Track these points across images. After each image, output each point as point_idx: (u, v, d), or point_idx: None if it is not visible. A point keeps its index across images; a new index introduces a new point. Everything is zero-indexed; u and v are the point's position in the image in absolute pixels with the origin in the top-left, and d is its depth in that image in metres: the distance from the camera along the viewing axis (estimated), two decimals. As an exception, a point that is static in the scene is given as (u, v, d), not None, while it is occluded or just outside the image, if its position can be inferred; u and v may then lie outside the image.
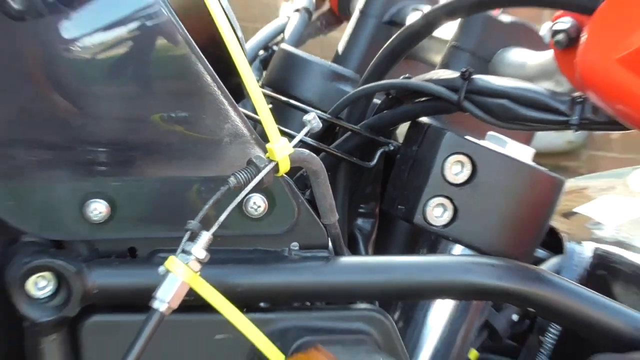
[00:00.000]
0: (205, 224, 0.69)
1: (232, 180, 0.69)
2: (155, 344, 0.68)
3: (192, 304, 0.70)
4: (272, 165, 0.70)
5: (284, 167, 0.71)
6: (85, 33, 0.71)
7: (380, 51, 0.91)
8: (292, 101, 0.93)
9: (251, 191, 0.70)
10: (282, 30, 1.17)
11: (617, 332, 0.79)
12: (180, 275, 0.68)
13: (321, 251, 0.77)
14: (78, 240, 0.75)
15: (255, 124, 0.75)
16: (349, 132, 0.88)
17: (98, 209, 0.73)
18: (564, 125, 0.78)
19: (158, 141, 0.74)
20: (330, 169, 0.79)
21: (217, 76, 0.73)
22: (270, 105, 0.75)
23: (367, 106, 0.90)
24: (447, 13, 0.87)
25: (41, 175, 0.73)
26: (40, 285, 0.72)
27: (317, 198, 0.76)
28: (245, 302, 0.75)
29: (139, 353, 0.67)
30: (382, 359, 0.74)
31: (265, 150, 0.72)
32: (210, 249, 0.69)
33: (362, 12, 1.06)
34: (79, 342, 0.75)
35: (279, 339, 0.75)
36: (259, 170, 0.70)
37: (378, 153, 0.88)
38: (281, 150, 0.71)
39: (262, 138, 0.73)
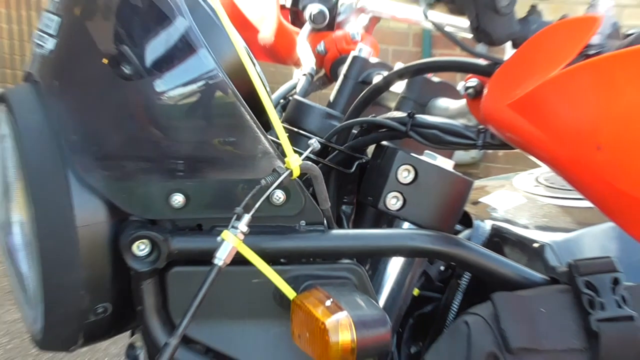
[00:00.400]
0: (246, 209, 0.68)
1: (263, 181, 0.68)
2: (215, 286, 0.67)
3: (238, 260, 0.69)
4: (288, 172, 0.70)
5: (296, 173, 0.70)
6: (170, 88, 0.70)
7: (356, 100, 0.90)
8: (301, 131, 0.92)
9: (275, 188, 0.70)
10: (294, 87, 1.15)
11: (508, 278, 0.78)
12: (231, 242, 0.67)
13: (319, 226, 0.76)
14: (165, 219, 0.73)
15: (278, 145, 0.74)
16: (337, 151, 0.87)
17: (178, 199, 0.72)
18: (473, 147, 0.77)
19: (216, 156, 0.72)
20: (325, 174, 0.78)
21: (253, 115, 0.71)
22: (287, 134, 0.74)
23: (348, 134, 0.89)
24: (399, 76, 0.87)
25: (142, 178, 0.72)
26: (141, 247, 0.71)
27: (316, 193, 0.75)
28: (271, 258, 0.73)
29: (205, 292, 0.67)
30: (358, 295, 0.73)
31: (284, 162, 0.71)
32: (249, 225, 0.68)
33: (345, 76, 1.05)
34: (165, 284, 0.74)
35: (293, 282, 0.73)
36: (279, 175, 0.69)
37: (355, 164, 0.87)
38: (294, 162, 0.70)
39: (282, 155, 0.72)
